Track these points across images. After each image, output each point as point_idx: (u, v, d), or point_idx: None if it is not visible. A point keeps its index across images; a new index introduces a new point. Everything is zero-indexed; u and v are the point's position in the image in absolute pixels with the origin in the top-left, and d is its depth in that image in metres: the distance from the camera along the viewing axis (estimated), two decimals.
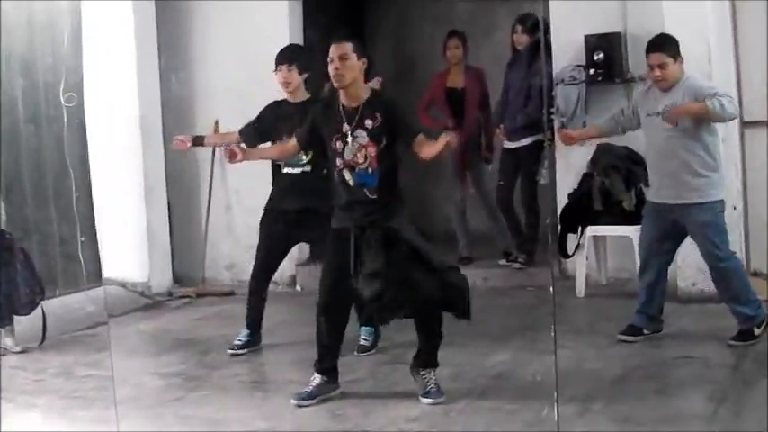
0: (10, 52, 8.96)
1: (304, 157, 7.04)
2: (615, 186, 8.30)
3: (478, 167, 9.76)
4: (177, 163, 10.17)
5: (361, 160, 5.87)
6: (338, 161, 5.93)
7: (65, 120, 9.16)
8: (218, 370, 6.96)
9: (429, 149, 5.76)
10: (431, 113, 9.71)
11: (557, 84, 8.84)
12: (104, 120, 9.57)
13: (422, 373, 5.98)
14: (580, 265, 8.55)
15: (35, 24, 9.20)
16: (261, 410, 5.98)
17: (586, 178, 8.54)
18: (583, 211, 8.50)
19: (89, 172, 9.43)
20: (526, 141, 9.13)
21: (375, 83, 6.81)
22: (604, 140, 8.09)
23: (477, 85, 9.70)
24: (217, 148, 9.68)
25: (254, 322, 7.48)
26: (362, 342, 7.19)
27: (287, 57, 7.26)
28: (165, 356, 7.41)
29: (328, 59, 5.88)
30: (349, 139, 5.88)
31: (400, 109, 6.02)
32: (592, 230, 8.52)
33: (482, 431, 5.41)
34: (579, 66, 8.87)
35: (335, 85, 5.94)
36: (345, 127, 5.89)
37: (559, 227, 8.56)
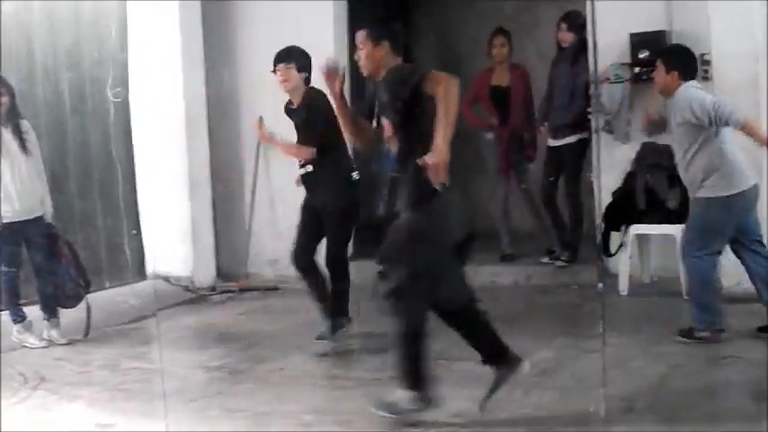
0: (57, 46, 9.05)
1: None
2: (659, 185, 8.27)
3: (522, 165, 9.75)
4: (221, 158, 10.23)
5: None
6: None
7: (111, 114, 9.27)
8: (262, 364, 6.98)
9: None
10: (475, 111, 9.71)
11: (601, 82, 8.80)
12: (150, 114, 9.65)
13: None
14: (624, 264, 8.51)
15: (82, 19, 9.28)
16: (306, 404, 6.00)
17: (630, 177, 8.51)
18: (626, 209, 8.47)
19: (134, 166, 9.52)
20: (571, 139, 9.11)
21: None
22: (649, 140, 8.08)
23: (522, 83, 9.69)
24: (261, 144, 9.81)
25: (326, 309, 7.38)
26: None
27: (285, 56, 7.27)
28: (209, 350, 7.45)
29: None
30: None
31: None
32: (635, 229, 8.49)
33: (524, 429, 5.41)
34: (624, 64, 8.84)
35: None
36: None
37: (603, 225, 8.53)
